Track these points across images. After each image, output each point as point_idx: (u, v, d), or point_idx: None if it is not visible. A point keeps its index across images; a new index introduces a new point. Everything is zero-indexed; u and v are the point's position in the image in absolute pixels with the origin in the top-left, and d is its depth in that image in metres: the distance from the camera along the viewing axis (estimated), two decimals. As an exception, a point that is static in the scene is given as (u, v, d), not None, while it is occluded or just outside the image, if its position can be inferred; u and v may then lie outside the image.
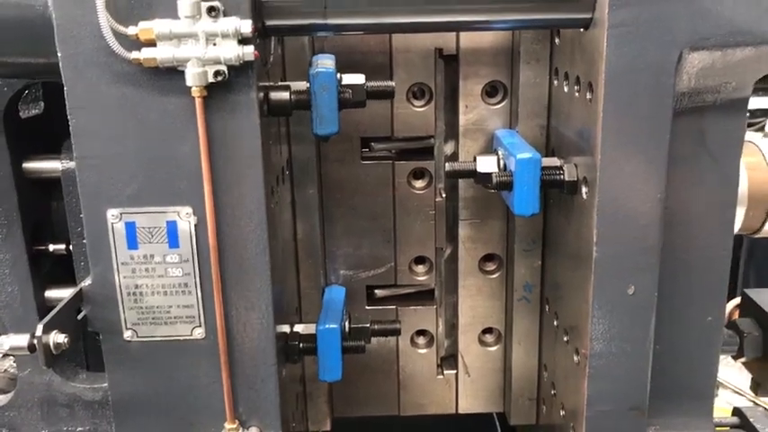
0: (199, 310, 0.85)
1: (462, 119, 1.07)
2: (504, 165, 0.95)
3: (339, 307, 1.03)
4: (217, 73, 0.76)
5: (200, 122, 0.78)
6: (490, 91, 1.07)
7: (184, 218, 0.82)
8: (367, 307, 1.17)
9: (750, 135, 1.02)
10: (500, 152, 0.97)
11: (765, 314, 1.13)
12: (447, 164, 0.99)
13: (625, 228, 0.82)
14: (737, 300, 1.23)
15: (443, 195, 1.12)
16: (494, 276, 1.15)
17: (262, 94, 0.82)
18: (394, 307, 1.18)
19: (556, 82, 0.99)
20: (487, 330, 1.18)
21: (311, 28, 0.85)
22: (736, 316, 1.20)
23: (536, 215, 0.91)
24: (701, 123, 0.85)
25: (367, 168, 1.11)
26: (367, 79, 0.93)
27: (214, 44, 0.75)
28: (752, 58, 0.77)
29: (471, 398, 1.22)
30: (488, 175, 0.94)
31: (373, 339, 1.16)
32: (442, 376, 1.20)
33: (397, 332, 1.07)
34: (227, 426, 0.87)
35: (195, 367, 0.87)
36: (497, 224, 1.12)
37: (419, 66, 1.07)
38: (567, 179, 0.89)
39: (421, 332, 1.20)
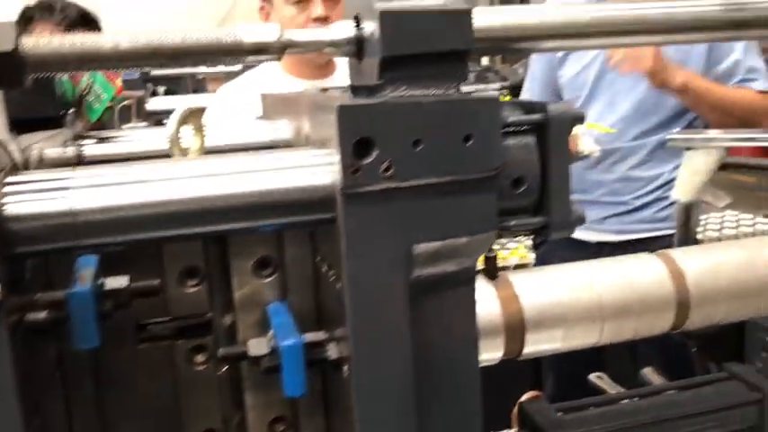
0: None
1: (237, 294, 1.12)
2: (275, 347, 1.00)
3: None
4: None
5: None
6: (261, 265, 1.13)
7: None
8: (159, 489, 1.16)
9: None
10: (270, 333, 1.03)
11: (538, 428, 1.26)
12: (221, 349, 1.02)
13: (382, 406, 0.87)
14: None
15: (223, 369, 1.15)
16: None
17: (15, 322, 0.82)
18: (185, 484, 1.18)
19: (316, 260, 1.07)
20: None
21: (66, 250, 0.87)
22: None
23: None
24: (440, 298, 0.91)
25: (145, 352, 1.12)
26: (135, 272, 0.95)
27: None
28: (471, 243, 0.86)
29: None
30: (258, 358, 0.99)
31: None
32: None
33: None
34: None
35: None
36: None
37: (188, 249, 1.10)
38: (330, 357, 0.96)
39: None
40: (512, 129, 0.84)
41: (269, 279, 1.13)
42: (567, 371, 3.09)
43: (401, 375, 0.87)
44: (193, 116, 1.15)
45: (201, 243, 1.11)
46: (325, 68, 3.14)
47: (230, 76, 3.41)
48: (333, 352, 0.96)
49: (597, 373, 1.66)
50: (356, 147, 0.79)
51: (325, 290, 1.05)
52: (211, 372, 1.15)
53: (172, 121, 1.12)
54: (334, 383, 1.01)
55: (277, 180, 0.87)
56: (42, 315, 0.87)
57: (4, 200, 0.82)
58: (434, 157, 0.80)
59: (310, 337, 0.98)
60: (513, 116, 0.85)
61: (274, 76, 3.09)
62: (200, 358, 1.16)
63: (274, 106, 1.36)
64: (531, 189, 0.85)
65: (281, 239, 1.11)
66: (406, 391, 0.88)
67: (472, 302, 0.88)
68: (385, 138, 0.79)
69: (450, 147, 0.80)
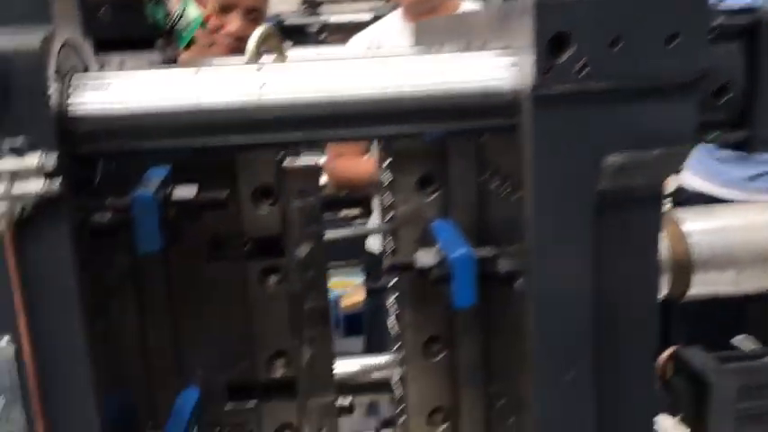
0: (21, 444, 0.84)
1: (399, 209, 1.11)
2: (443, 259, 0.98)
3: (185, 414, 1.02)
4: (24, 209, 0.76)
5: (10, 257, 0.77)
6: (423, 182, 1.11)
7: (4, 346, 0.81)
8: (227, 406, 1.17)
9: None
10: (437, 246, 1.00)
11: (697, 373, 1.19)
12: (386, 259, 1.00)
13: (560, 317, 0.85)
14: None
15: (297, 290, 1.13)
16: (438, 359, 1.18)
17: (80, 220, 0.83)
18: (254, 404, 1.18)
19: (484, 176, 1.03)
20: (435, 410, 1.20)
21: (131, 153, 0.87)
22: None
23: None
24: (624, 215, 0.86)
25: (218, 268, 1.12)
26: (206, 186, 0.95)
27: (19, 180, 0.76)
28: (663, 157, 0.81)
29: None
30: (427, 270, 0.97)
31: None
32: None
33: (246, 438, 1.07)
34: None
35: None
36: (440, 307, 1.15)
37: (261, 167, 1.09)
38: (501, 271, 0.93)
39: (286, 425, 1.20)
40: (717, 32, 0.77)
41: (432, 197, 1.11)
42: (702, 335, 2.90)
43: (580, 291, 0.84)
44: (271, 38, 1.13)
45: (274, 163, 1.10)
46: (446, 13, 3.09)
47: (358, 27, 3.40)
48: (504, 266, 0.93)
49: (743, 335, 1.52)
50: (550, 44, 0.73)
51: (493, 207, 1.01)
52: (284, 294, 1.15)
53: (251, 42, 1.10)
54: (502, 299, 0.97)
55: (451, 81, 0.81)
56: (107, 217, 0.88)
57: (70, 100, 0.79)
58: (633, 57, 0.74)
59: (481, 253, 0.95)
60: (719, 18, 0.78)
61: (397, 27, 3.08)
62: (272, 280, 1.16)
63: (431, 33, 1.30)
64: (735, 99, 0.79)
65: (445, 155, 1.07)
66: (584, 308, 0.84)
67: (657, 223, 0.84)
68: (582, 34, 0.73)
69: (650, 47, 0.74)
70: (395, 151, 1.12)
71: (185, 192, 0.94)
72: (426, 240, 1.10)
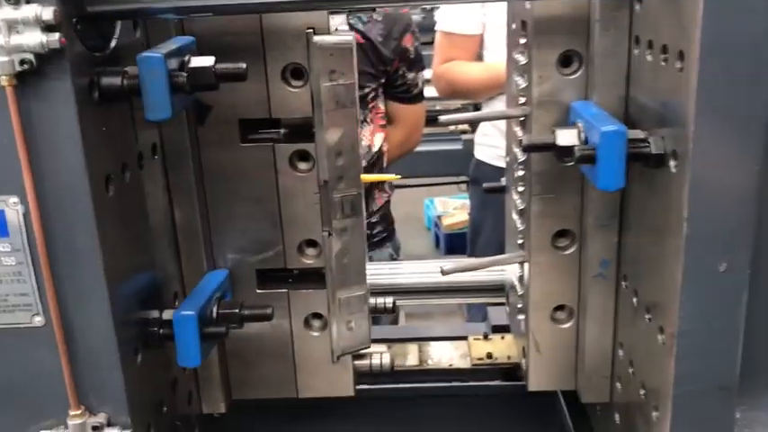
0: (36, 299, 0.85)
1: (536, 90, 1.04)
2: (586, 138, 0.92)
3: (206, 292, 1.02)
4: (23, 61, 0.75)
5: (13, 112, 0.77)
6: (565, 60, 1.03)
7: (11, 207, 0.81)
8: (258, 291, 1.17)
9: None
10: (580, 125, 0.94)
11: None
12: (524, 137, 0.95)
13: (719, 202, 0.79)
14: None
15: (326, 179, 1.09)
16: (567, 253, 1.13)
17: (87, 81, 0.81)
18: (285, 291, 1.17)
19: (636, 51, 0.95)
20: (559, 308, 1.16)
21: (142, 12, 0.84)
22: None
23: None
24: None
25: (247, 151, 1.10)
26: (234, 61, 0.92)
27: (17, 32, 0.74)
28: None
29: (542, 375, 1.20)
30: (569, 148, 0.92)
31: (267, 324, 1.16)
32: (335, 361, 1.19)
33: (267, 317, 1.06)
34: (71, 412, 0.88)
35: (39, 354, 0.87)
36: (571, 199, 1.09)
37: (290, 44, 1.04)
38: (653, 152, 0.86)
39: (315, 315, 1.19)
40: None
41: (573, 76, 1.02)
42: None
43: (744, 174, 0.78)
44: None
45: (305, 41, 1.04)
46: None
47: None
48: (656, 147, 0.86)
49: None
50: None
51: (643, 85, 0.93)
52: (314, 180, 1.11)
53: None
54: (647, 185, 0.91)
55: None
56: (117, 80, 0.86)
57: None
58: None
59: (630, 133, 0.87)
60: None
61: None
62: (303, 166, 1.12)
63: None
64: None
65: (590, 31, 0.99)
66: (746, 194, 0.78)
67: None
68: None
69: None
70: (534, 27, 1.03)
71: (202, 61, 0.91)
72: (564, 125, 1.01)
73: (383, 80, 2.53)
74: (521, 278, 1.22)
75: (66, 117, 0.78)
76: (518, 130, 1.16)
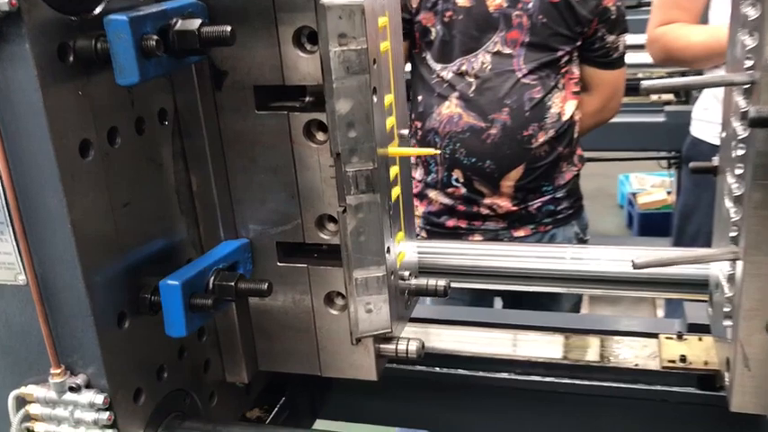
0: (17, 258, 0.88)
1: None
2: None
3: (206, 262, 1.00)
4: (-19, 24, 0.76)
5: (-24, 73, 0.78)
6: None
7: (-18, 170, 0.84)
8: (279, 264, 1.14)
9: None
10: None
11: None
12: (752, 108, 0.86)
13: None
14: None
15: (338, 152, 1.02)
16: None
17: (57, 45, 0.81)
18: (305, 265, 1.13)
19: None
20: None
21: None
22: None
23: None
24: None
25: (263, 119, 1.06)
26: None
27: (-27, -6, 0.75)
28: None
29: (749, 396, 1.04)
30: None
31: (290, 298, 1.13)
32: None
33: (263, 293, 1.02)
34: (52, 371, 0.90)
35: (26, 310, 0.90)
36: None
37: (304, 7, 0.98)
38: None
39: (338, 293, 1.14)
40: None
41: None
42: None
43: None
44: None
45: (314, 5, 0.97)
46: None
47: None
48: None
49: None
50: None
51: None
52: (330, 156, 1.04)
53: None
54: None
55: None
56: (90, 44, 0.85)
57: None
58: None
59: None
60: None
61: None
62: (321, 136, 1.06)
63: None
64: None
65: None
66: None
67: None
68: None
69: None
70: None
71: (188, 24, 0.87)
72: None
73: (579, 43, 2.28)
74: (730, 277, 1.04)
75: (26, 81, 0.78)
76: (740, 100, 0.97)
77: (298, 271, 1.13)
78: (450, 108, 2.25)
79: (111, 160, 0.90)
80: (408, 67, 2.41)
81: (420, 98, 2.34)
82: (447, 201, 2.35)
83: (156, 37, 0.83)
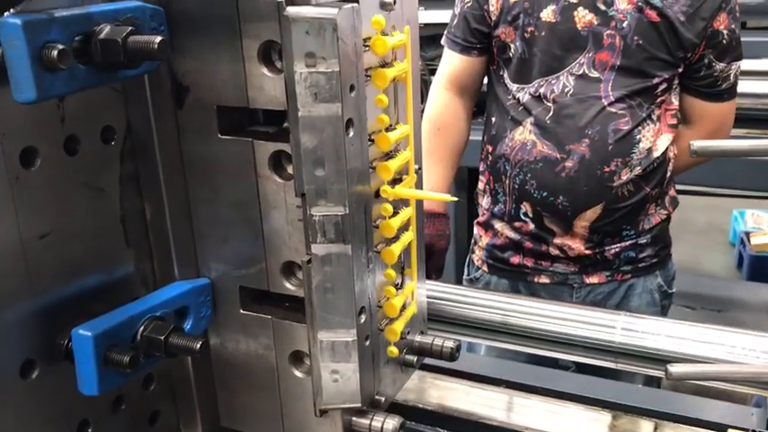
0: None
1: None
2: None
3: (140, 307, 0.86)
4: None
5: None
6: None
7: None
8: (242, 311, 0.98)
9: None
10: None
11: None
12: None
13: None
14: None
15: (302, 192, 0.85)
16: None
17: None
18: (269, 317, 0.97)
19: None
20: None
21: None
22: None
23: None
24: None
25: (226, 145, 0.90)
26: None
27: None
28: None
29: None
30: None
31: (253, 352, 0.98)
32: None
33: (194, 352, 0.87)
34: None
35: None
36: None
37: (270, 18, 0.82)
38: None
39: (306, 354, 0.97)
40: None
41: None
42: None
43: None
44: None
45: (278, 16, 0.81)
46: None
47: None
48: None
49: None
50: None
51: None
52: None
53: None
54: None
55: None
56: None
57: None
58: None
59: None
60: None
61: None
62: (290, 170, 0.89)
63: None
64: None
65: None
66: None
67: None
68: None
69: None
70: None
71: (113, 33, 0.74)
72: None
73: (680, 69, 1.98)
74: None
75: None
76: None
77: (261, 322, 0.97)
78: (524, 134, 2.02)
79: (23, 185, 0.78)
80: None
81: (493, 120, 2.12)
82: (513, 235, 2.12)
83: (60, 46, 0.69)
